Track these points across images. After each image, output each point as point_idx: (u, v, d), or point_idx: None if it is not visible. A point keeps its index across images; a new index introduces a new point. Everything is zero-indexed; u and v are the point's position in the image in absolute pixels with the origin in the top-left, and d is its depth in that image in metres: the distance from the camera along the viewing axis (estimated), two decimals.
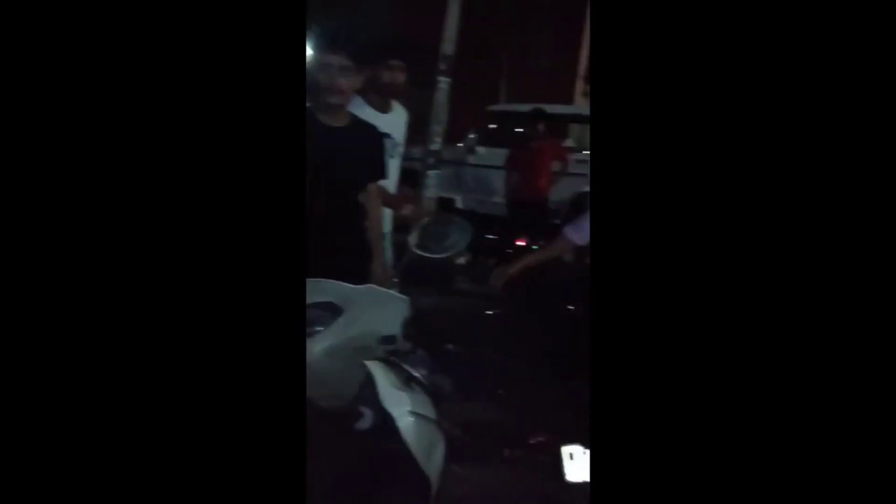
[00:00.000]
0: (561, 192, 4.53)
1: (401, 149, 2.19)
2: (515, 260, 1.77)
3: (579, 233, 1.68)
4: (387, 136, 2.04)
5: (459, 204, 5.74)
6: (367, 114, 1.95)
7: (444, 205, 5.35)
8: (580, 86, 9.69)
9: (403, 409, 0.91)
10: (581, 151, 5.41)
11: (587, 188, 2.40)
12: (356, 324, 1.08)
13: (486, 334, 2.28)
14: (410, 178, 5.37)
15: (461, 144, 5.67)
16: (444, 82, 4.78)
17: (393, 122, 2.12)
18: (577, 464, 1.19)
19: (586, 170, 5.14)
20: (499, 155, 4.60)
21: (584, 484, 1.17)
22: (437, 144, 4.89)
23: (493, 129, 5.70)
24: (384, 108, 2.08)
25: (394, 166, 2.15)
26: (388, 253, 2.16)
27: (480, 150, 5.56)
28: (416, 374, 1.02)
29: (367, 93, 2.04)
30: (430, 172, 4.92)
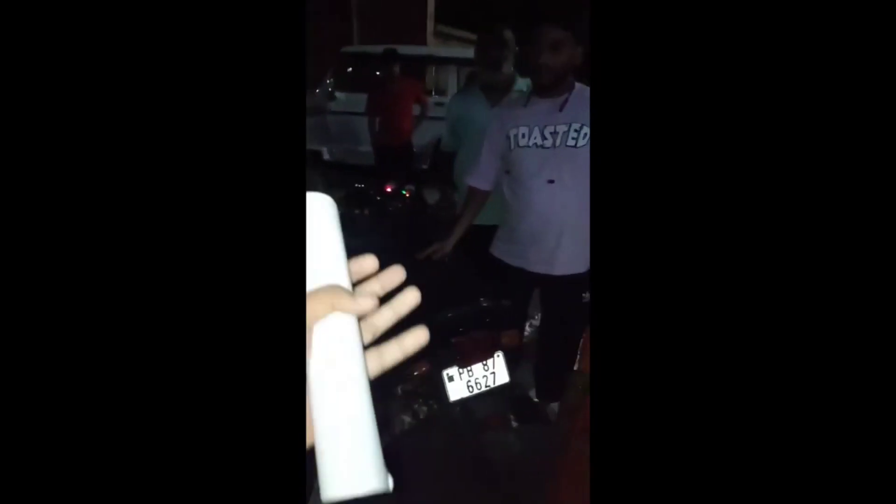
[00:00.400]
0: (423, 135, 4.64)
1: None
2: (450, 235, 1.73)
3: (481, 178, 1.70)
4: None
5: (327, 155, 5.60)
6: None
7: (311, 157, 5.20)
8: (430, 26, 9.67)
9: None
10: (437, 95, 5.53)
11: None
12: None
13: None
14: None
15: (318, 91, 5.47)
16: None
17: None
18: (455, 384, 1.35)
19: (444, 112, 5.29)
20: (360, 101, 4.54)
21: (462, 400, 1.33)
22: None
23: (350, 72, 5.56)
24: None
25: None
26: None
27: (340, 95, 5.42)
28: None
29: None
30: None
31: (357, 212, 2.44)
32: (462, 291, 1.54)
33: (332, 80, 5.45)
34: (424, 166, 5.12)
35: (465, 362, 1.36)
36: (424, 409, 1.42)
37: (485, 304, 1.47)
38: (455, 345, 1.35)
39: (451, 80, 5.52)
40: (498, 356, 1.41)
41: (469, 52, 6.48)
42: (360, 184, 2.47)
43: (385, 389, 1.48)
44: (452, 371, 1.36)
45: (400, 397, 1.46)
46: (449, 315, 1.40)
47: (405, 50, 4.51)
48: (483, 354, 1.38)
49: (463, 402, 1.36)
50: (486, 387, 1.39)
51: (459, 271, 1.77)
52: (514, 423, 1.50)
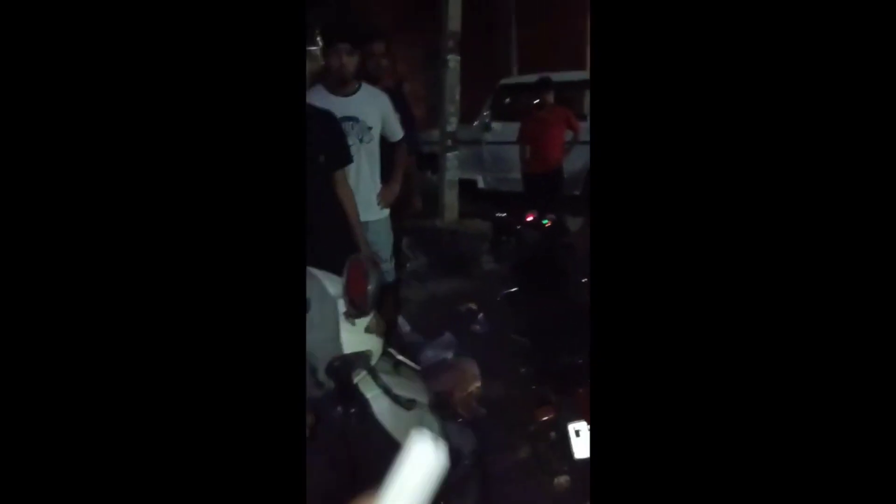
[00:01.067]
0: (575, 161, 4.56)
1: (375, 132, 2.08)
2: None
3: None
4: (350, 119, 1.98)
5: (481, 184, 5.80)
6: (325, 99, 1.90)
7: (466, 186, 5.42)
8: (590, 52, 9.43)
9: (375, 391, 0.91)
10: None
11: None
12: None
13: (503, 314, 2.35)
14: (429, 162, 5.50)
15: (476, 123, 5.72)
16: (453, 60, 4.77)
17: (358, 104, 2.03)
18: (581, 440, 1.23)
19: None
20: (515, 129, 4.64)
21: (587, 460, 1.20)
22: (452, 125, 4.93)
23: (507, 103, 5.72)
24: (344, 91, 2.01)
25: (367, 151, 2.06)
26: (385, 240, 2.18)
27: (496, 126, 5.59)
28: (401, 357, 1.01)
29: (323, 78, 2.01)
30: (449, 155, 4.99)
31: (504, 239, 2.48)
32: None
33: (488, 111, 5.66)
34: (577, 192, 5.01)
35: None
36: (563, 479, 1.29)
37: None
38: (581, 395, 1.24)
39: None
40: None
41: None
42: (503, 212, 2.52)
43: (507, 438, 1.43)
44: (580, 425, 1.24)
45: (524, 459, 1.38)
46: (580, 361, 1.30)
47: (561, 76, 4.52)
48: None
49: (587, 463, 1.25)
50: None
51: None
52: None
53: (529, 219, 2.31)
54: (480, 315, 3.04)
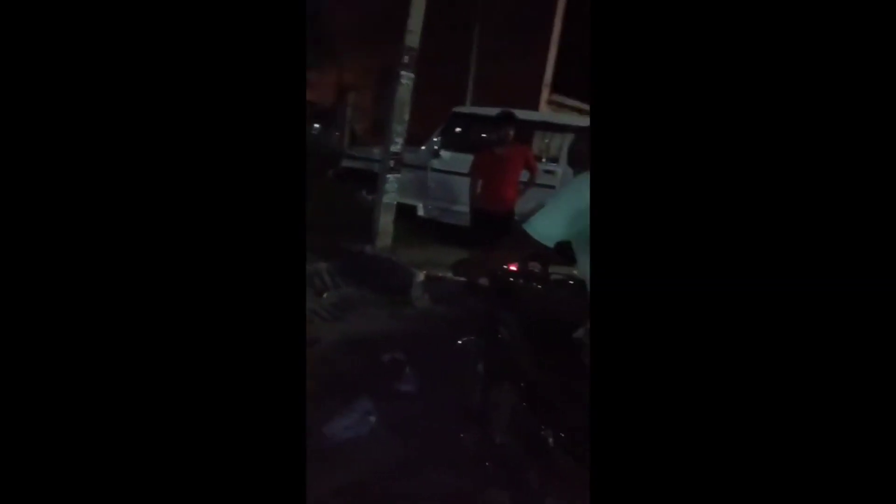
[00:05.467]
0: (527, 203, 4.29)
1: None
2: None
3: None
4: None
5: (421, 211, 5.45)
6: None
7: (404, 212, 5.04)
8: (545, 94, 9.59)
9: None
10: (547, 161, 5.24)
11: None
12: None
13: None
14: (367, 181, 5.09)
15: (424, 147, 5.38)
16: (406, 77, 4.48)
17: None
18: None
19: (553, 181, 4.96)
20: (464, 161, 4.34)
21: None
22: (398, 146, 4.58)
23: (458, 132, 5.43)
24: None
25: None
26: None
27: (445, 154, 5.28)
28: None
29: None
30: (390, 176, 4.61)
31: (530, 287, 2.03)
32: None
33: (439, 138, 5.34)
34: None
35: None
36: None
37: None
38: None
39: (564, 148, 5.18)
40: None
41: (583, 121, 6.23)
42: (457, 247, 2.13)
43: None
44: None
45: None
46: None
47: (521, 114, 4.27)
48: None
49: None
50: None
51: None
52: None
53: (512, 268, 1.89)
54: (408, 369, 2.57)
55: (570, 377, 1.35)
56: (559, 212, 1.41)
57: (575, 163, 1.73)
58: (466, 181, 4.08)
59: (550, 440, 1.24)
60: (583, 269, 1.47)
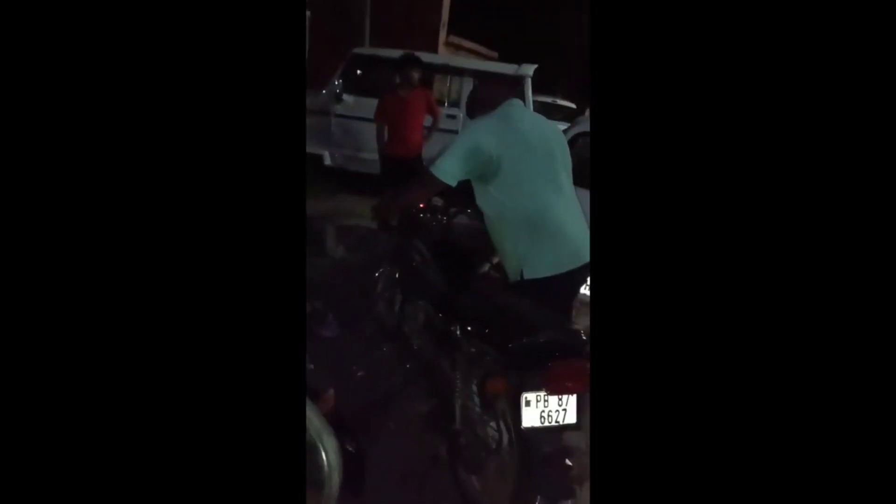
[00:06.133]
0: (433, 147, 4.35)
1: None
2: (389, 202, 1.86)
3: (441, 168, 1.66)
4: None
5: (327, 160, 5.27)
6: None
7: (310, 162, 4.87)
8: (443, 35, 9.45)
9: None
10: (449, 106, 5.26)
11: None
12: None
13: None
14: None
15: (325, 91, 5.14)
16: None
17: None
18: (531, 410, 1.30)
19: (456, 125, 5.02)
20: (368, 105, 4.24)
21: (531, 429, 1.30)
22: None
23: (359, 75, 5.24)
24: None
25: None
26: None
27: (348, 98, 5.09)
28: None
29: None
30: None
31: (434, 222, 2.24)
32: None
33: (339, 81, 5.12)
34: None
35: (553, 389, 1.31)
36: (495, 438, 1.39)
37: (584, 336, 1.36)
38: (552, 369, 1.28)
39: (465, 92, 5.24)
40: (573, 395, 1.35)
41: (485, 65, 6.26)
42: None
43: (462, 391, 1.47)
44: (531, 396, 1.31)
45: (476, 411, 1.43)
46: (541, 340, 1.34)
47: (425, 57, 4.23)
48: (574, 387, 1.32)
49: (532, 432, 1.33)
50: (555, 422, 1.33)
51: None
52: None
53: (422, 205, 2.08)
54: (330, 316, 2.63)
55: (471, 289, 1.67)
56: (458, 154, 1.67)
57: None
58: (372, 127, 4.02)
59: (458, 333, 1.51)
60: (480, 200, 1.73)
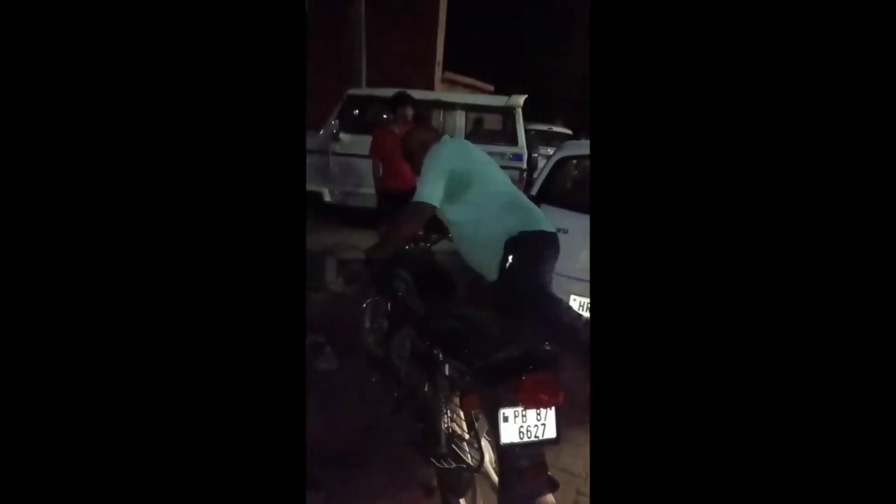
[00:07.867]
0: None
1: None
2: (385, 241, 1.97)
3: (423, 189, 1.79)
4: None
5: (327, 197, 5.41)
6: None
7: (310, 199, 5.00)
8: (438, 72, 9.74)
9: None
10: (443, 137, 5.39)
11: None
12: None
13: None
14: None
15: (323, 132, 5.32)
16: None
17: None
18: (509, 426, 1.30)
19: None
20: (364, 143, 4.37)
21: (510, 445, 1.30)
22: None
23: (356, 115, 5.42)
24: None
25: None
26: None
27: (345, 137, 5.26)
28: None
29: None
30: None
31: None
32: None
33: (336, 121, 5.31)
34: None
35: (528, 403, 1.30)
36: (476, 457, 1.39)
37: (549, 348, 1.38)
38: (524, 382, 1.28)
39: (459, 125, 5.38)
40: (552, 409, 1.35)
41: (475, 98, 6.43)
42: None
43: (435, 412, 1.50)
44: (508, 412, 1.31)
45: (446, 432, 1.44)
46: (515, 355, 1.35)
47: (417, 94, 4.38)
48: (549, 400, 1.31)
49: (510, 448, 1.31)
50: (535, 437, 1.32)
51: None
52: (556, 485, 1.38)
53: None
54: (328, 348, 2.67)
55: (449, 311, 1.72)
56: (433, 178, 1.84)
57: (411, 159, 2.13)
58: (369, 163, 4.14)
59: (440, 357, 1.55)
60: (454, 215, 1.89)
